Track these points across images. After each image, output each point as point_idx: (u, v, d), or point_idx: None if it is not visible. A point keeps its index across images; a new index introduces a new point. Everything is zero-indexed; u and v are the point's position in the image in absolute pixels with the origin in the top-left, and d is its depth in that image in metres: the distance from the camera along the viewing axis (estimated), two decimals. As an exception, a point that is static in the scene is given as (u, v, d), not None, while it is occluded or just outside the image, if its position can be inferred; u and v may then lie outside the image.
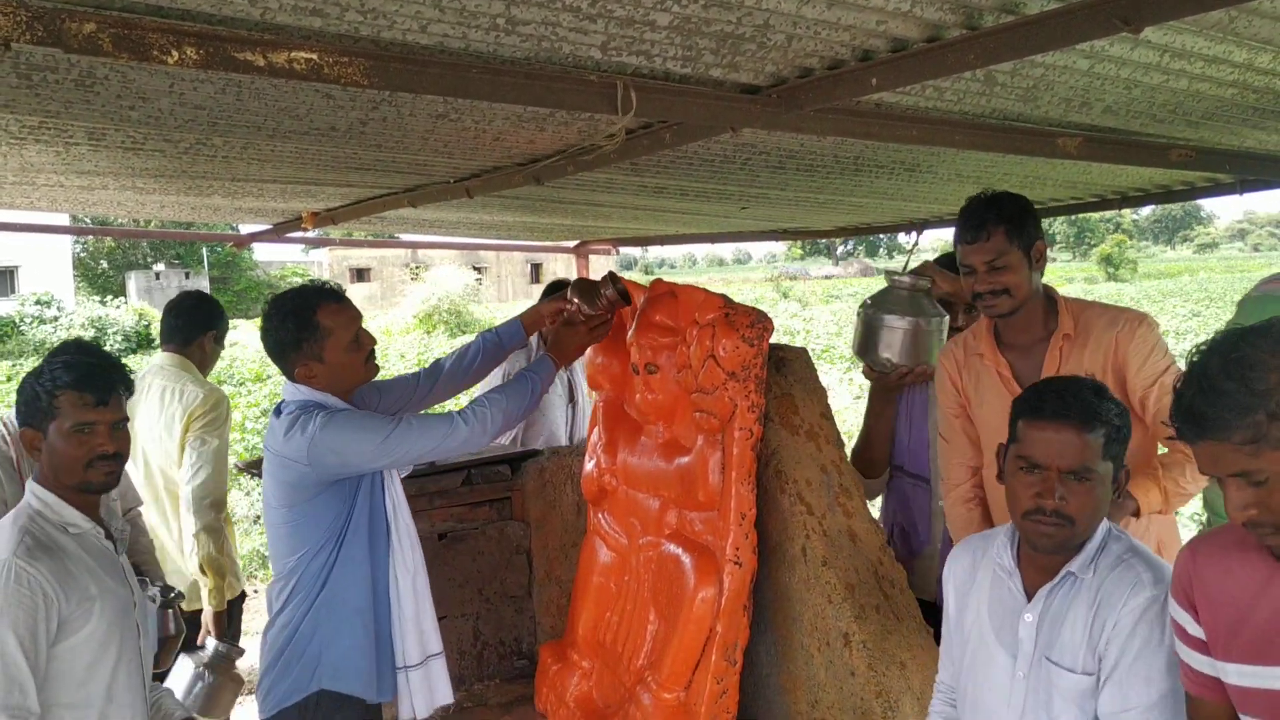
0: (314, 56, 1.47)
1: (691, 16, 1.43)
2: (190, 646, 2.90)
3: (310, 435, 2.16)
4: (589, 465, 2.98)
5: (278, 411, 2.29)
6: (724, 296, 2.54)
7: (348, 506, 2.26)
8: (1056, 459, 1.57)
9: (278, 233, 4.88)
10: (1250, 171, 2.72)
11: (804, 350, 2.77)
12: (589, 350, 3.01)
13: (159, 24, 1.37)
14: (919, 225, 4.16)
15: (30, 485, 1.94)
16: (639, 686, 2.62)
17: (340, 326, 2.28)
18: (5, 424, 2.48)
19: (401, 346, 26.09)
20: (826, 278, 66.74)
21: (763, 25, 1.47)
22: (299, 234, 4.94)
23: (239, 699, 3.21)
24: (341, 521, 2.25)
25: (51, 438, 1.88)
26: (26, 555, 1.81)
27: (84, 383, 1.89)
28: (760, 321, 2.47)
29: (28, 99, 1.89)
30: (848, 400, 13.29)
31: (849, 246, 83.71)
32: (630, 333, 2.76)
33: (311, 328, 2.24)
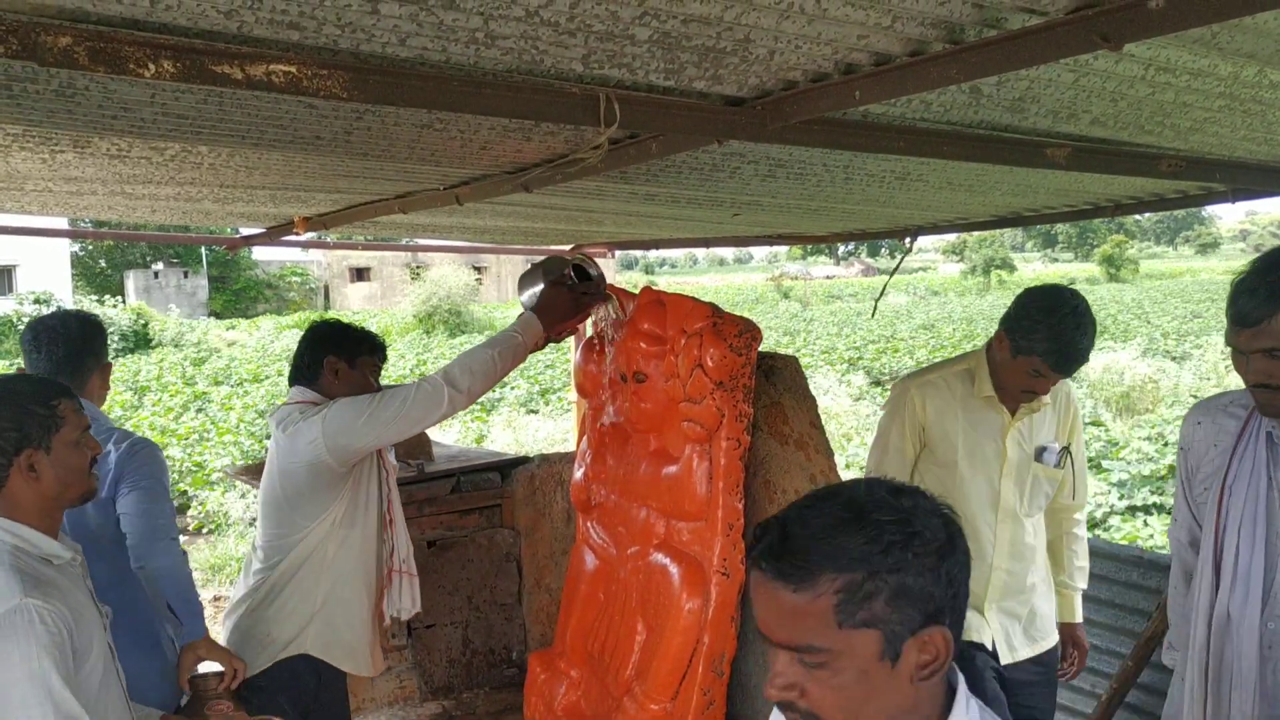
0: (293, 69, 1.46)
1: (671, 31, 1.42)
2: None
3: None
4: (578, 474, 2.97)
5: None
6: (712, 305, 2.53)
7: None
8: (771, 630, 1.07)
9: (271, 236, 4.87)
10: (1241, 180, 2.71)
11: (794, 358, 2.77)
12: (579, 356, 3.00)
13: (135, 37, 1.37)
14: (913, 231, 4.16)
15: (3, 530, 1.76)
16: (626, 697, 2.62)
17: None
18: None
19: (401, 347, 26.11)
20: (828, 278, 66.84)
21: (743, 40, 1.46)
22: (293, 237, 4.93)
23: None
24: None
25: (58, 450, 1.79)
26: (39, 594, 1.69)
27: (70, 391, 1.88)
28: (748, 331, 2.46)
29: (9, 108, 1.88)
30: (846, 403, 13.30)
31: (850, 246, 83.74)
32: (620, 341, 2.76)
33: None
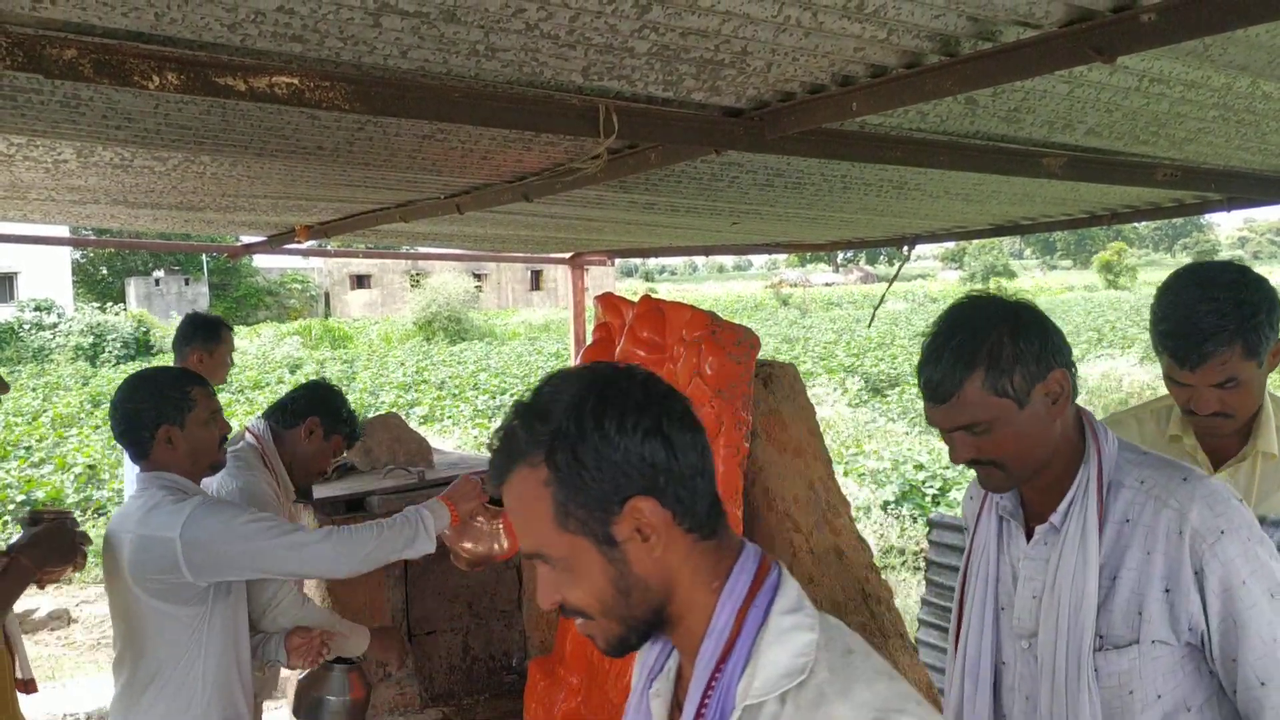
0: (295, 81, 1.48)
1: (670, 44, 1.44)
2: None
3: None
4: (578, 481, 2.98)
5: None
6: (711, 314, 2.55)
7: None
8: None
9: (273, 244, 4.89)
10: (1237, 190, 2.73)
11: (792, 366, 2.78)
12: (578, 362, 3.01)
13: (140, 50, 1.38)
14: (910, 239, 4.18)
15: (151, 476, 2.18)
16: (626, 704, 2.62)
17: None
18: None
19: (402, 353, 26.13)
20: (827, 285, 66.84)
21: (741, 52, 1.48)
22: (295, 245, 4.94)
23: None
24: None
25: (190, 427, 2.19)
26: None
27: (205, 381, 2.29)
28: (747, 339, 2.48)
29: (14, 119, 1.90)
30: (845, 410, 13.30)
31: (849, 254, 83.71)
32: (618, 349, 2.77)
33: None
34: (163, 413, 2.16)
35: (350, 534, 2.24)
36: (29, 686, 2.35)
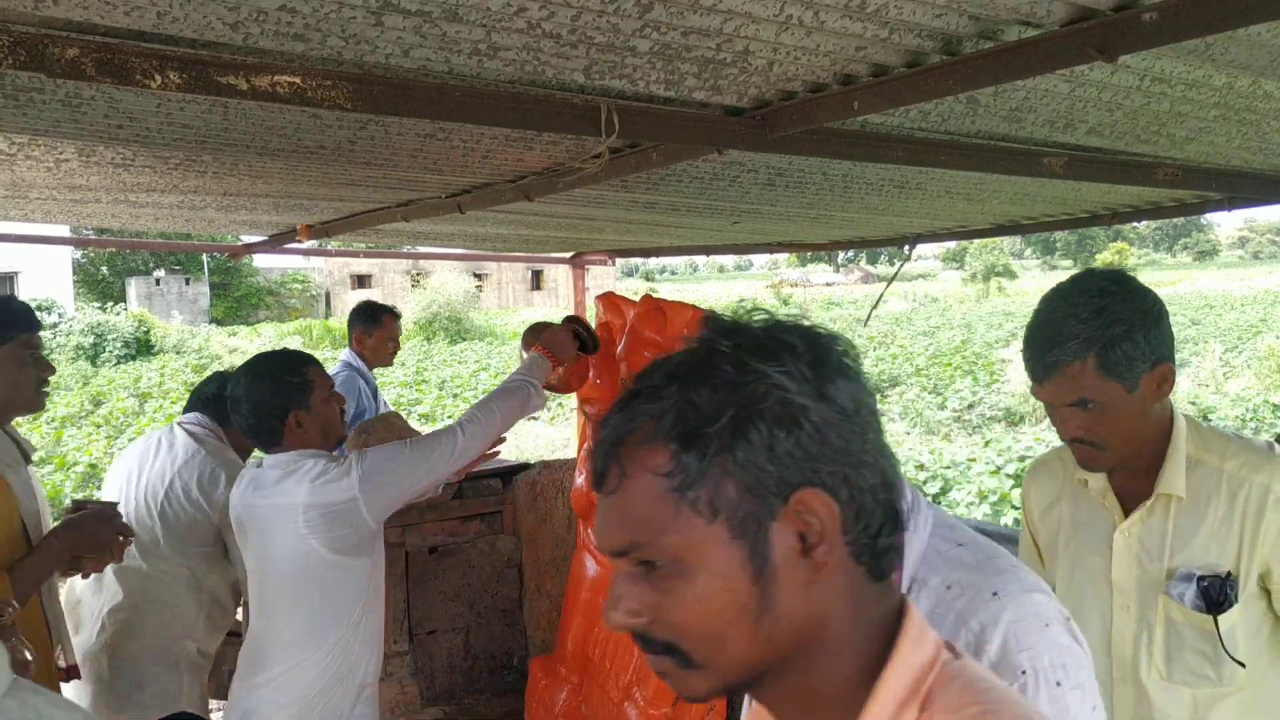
0: (297, 80, 1.48)
1: (671, 43, 1.44)
2: None
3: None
4: (579, 480, 2.98)
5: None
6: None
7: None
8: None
9: (274, 244, 4.89)
10: (1237, 189, 2.72)
11: (793, 366, 2.78)
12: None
13: (141, 49, 1.39)
14: (912, 239, 4.18)
15: (292, 456, 2.18)
16: (627, 703, 2.62)
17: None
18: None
19: (402, 354, 26.11)
20: (827, 285, 66.89)
21: (743, 51, 1.48)
22: (296, 245, 4.94)
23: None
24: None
25: (315, 407, 2.21)
26: None
27: (315, 359, 2.30)
28: (748, 339, 2.48)
29: (15, 118, 1.90)
30: (846, 409, 13.29)
31: (849, 254, 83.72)
32: (620, 349, 2.77)
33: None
34: (290, 399, 2.18)
35: (478, 417, 2.32)
36: (71, 673, 2.35)
